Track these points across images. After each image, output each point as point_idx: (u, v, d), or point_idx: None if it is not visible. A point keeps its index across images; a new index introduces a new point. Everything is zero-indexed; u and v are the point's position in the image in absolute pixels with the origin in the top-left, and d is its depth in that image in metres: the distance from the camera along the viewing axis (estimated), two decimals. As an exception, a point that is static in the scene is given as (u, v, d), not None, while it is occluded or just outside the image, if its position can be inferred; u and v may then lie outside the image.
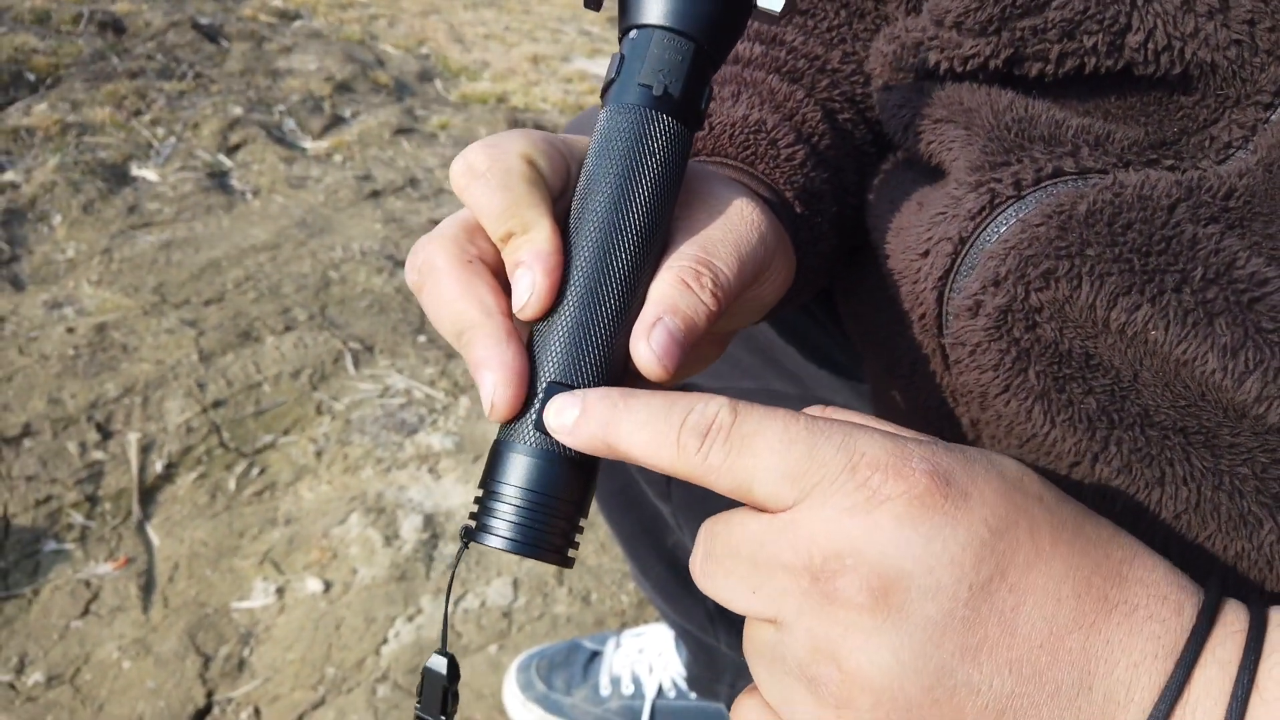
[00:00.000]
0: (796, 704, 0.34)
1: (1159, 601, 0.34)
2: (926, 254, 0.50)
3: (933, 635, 0.32)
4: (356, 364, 1.85)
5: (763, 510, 0.35)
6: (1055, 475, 0.46)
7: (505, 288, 0.39)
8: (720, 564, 0.36)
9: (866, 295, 0.59)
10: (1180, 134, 0.47)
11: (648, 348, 0.37)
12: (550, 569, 1.46)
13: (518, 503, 0.37)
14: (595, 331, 0.38)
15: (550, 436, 0.37)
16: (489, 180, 0.38)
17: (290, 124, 2.80)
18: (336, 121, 2.89)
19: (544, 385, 0.37)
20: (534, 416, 0.37)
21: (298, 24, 3.67)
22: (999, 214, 0.47)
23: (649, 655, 1.22)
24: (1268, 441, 0.41)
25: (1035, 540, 0.33)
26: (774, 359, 0.77)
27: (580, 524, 0.39)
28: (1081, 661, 0.32)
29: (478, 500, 0.38)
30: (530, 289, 0.37)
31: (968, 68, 0.50)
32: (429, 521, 1.53)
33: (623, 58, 0.40)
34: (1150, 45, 0.45)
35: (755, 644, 0.36)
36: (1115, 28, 0.45)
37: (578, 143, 0.43)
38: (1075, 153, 0.47)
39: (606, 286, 0.38)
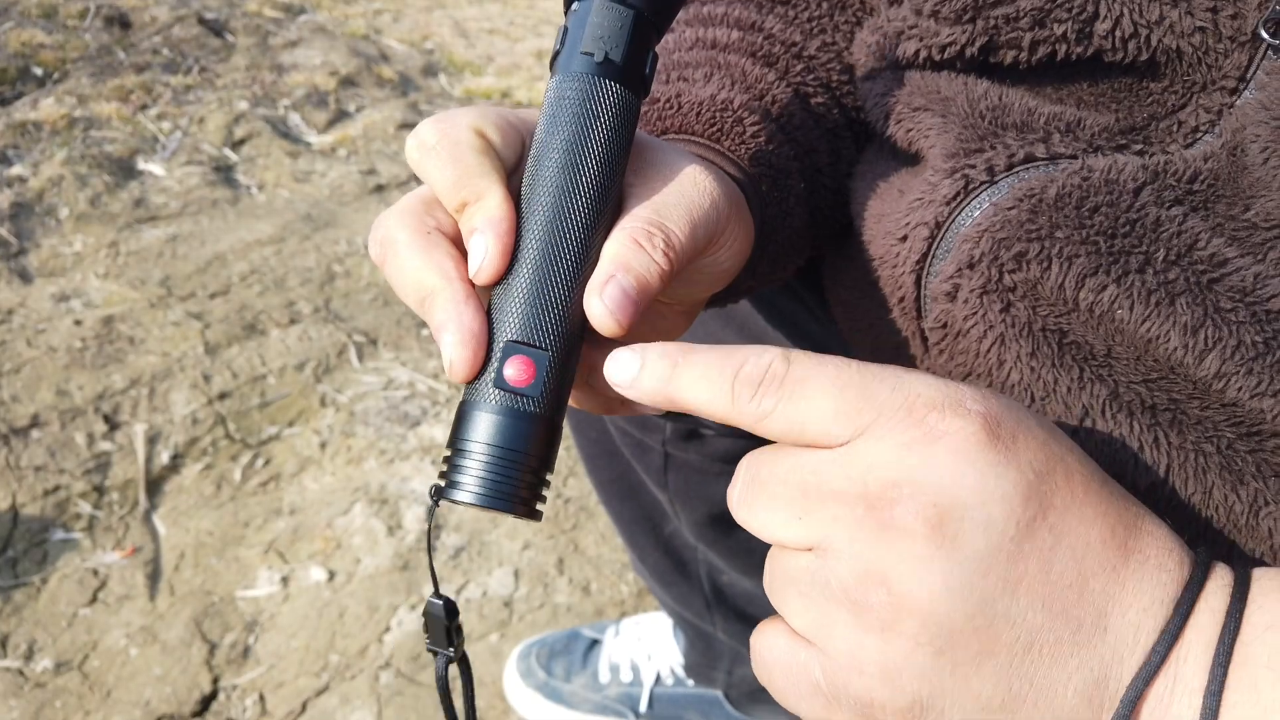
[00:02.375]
0: (835, 628, 0.35)
1: (1166, 553, 0.36)
2: (904, 239, 0.51)
3: (980, 566, 0.33)
4: (360, 357, 1.86)
5: (816, 447, 0.36)
6: None
7: (464, 255, 0.40)
8: (765, 490, 0.37)
9: (851, 281, 0.60)
10: (1149, 119, 0.48)
11: (600, 303, 0.39)
12: (550, 560, 1.48)
13: (482, 458, 0.38)
14: (551, 291, 0.39)
15: (510, 393, 0.38)
16: (440, 153, 0.40)
17: (295, 119, 2.81)
18: (341, 116, 2.90)
19: (502, 345, 0.38)
20: (493, 375, 0.38)
21: (302, 18, 3.68)
22: (973, 199, 0.48)
23: (647, 643, 1.23)
24: (1234, 414, 0.42)
25: (1071, 487, 0.35)
26: (763, 345, 0.78)
27: (546, 478, 0.40)
28: (1102, 603, 0.34)
29: (446, 459, 0.39)
30: (484, 253, 0.39)
31: (945, 56, 0.52)
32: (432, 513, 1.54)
33: (566, 30, 0.42)
34: (1118, 33, 0.46)
35: (788, 572, 0.37)
36: (1084, 16, 0.46)
37: (530, 115, 0.44)
38: (1046, 139, 0.48)
39: (560, 248, 0.39)
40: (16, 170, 2.28)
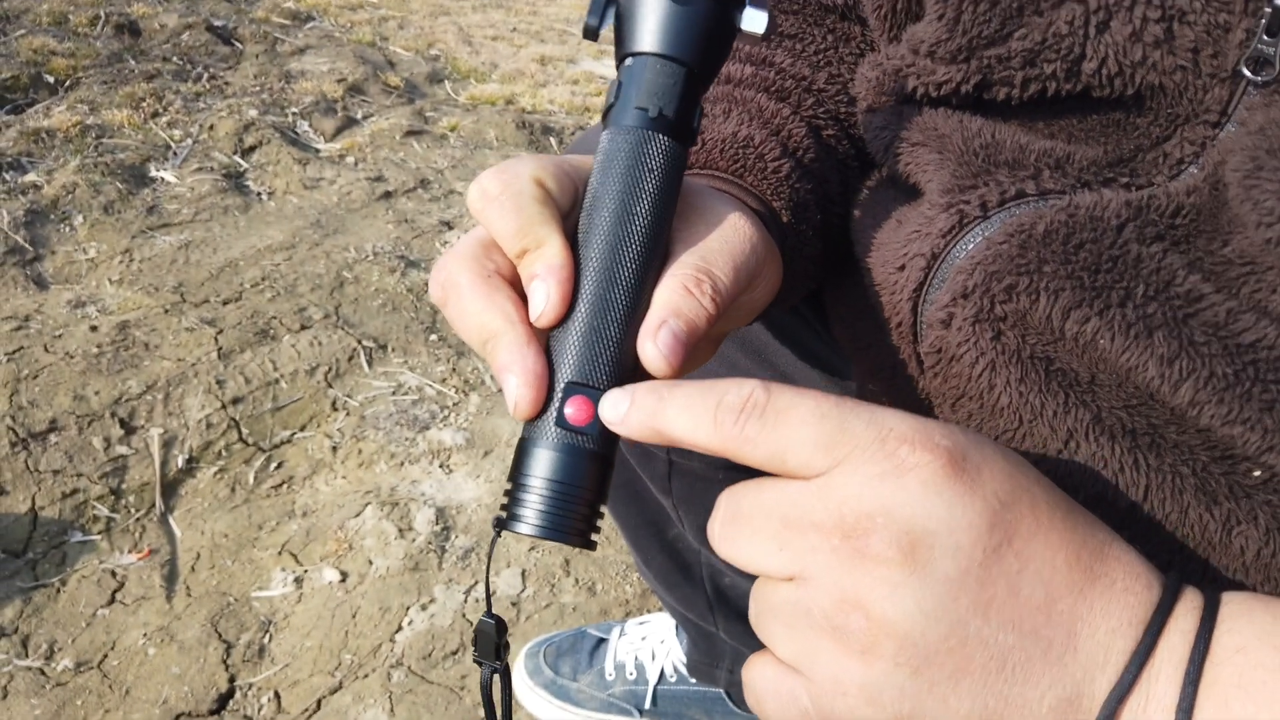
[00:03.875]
0: (819, 654, 0.36)
1: (1134, 577, 0.38)
2: (903, 268, 0.54)
3: (951, 590, 0.35)
4: (370, 362, 1.90)
5: (794, 478, 0.38)
6: None
7: (523, 298, 0.42)
8: (747, 523, 0.38)
9: (851, 304, 0.63)
10: (1136, 151, 0.50)
11: (654, 347, 0.41)
12: (557, 560, 1.51)
13: (543, 492, 0.40)
14: (606, 335, 0.41)
15: (570, 432, 0.41)
16: (503, 203, 0.42)
17: (304, 126, 2.85)
18: (349, 123, 2.94)
19: (562, 385, 0.41)
20: (554, 414, 0.41)
21: (310, 26, 3.71)
22: (967, 233, 0.51)
23: (651, 642, 1.27)
24: (1208, 439, 0.45)
25: (1036, 515, 0.37)
26: (769, 361, 0.81)
27: (600, 509, 0.42)
28: (1069, 623, 0.36)
29: (507, 493, 0.42)
30: (545, 299, 0.41)
31: (942, 93, 0.54)
32: (441, 514, 1.57)
33: (620, 84, 0.44)
34: (1104, 71, 0.48)
35: (772, 603, 0.38)
36: (1071, 56, 0.49)
37: (583, 163, 0.46)
38: (1037, 176, 0.50)
39: (614, 293, 0.41)
40: (30, 178, 2.32)
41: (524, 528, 0.40)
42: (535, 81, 3.61)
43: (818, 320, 0.78)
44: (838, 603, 0.36)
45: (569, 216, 0.44)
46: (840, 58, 0.67)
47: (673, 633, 1.26)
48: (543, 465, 0.41)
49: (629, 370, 0.42)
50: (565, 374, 0.41)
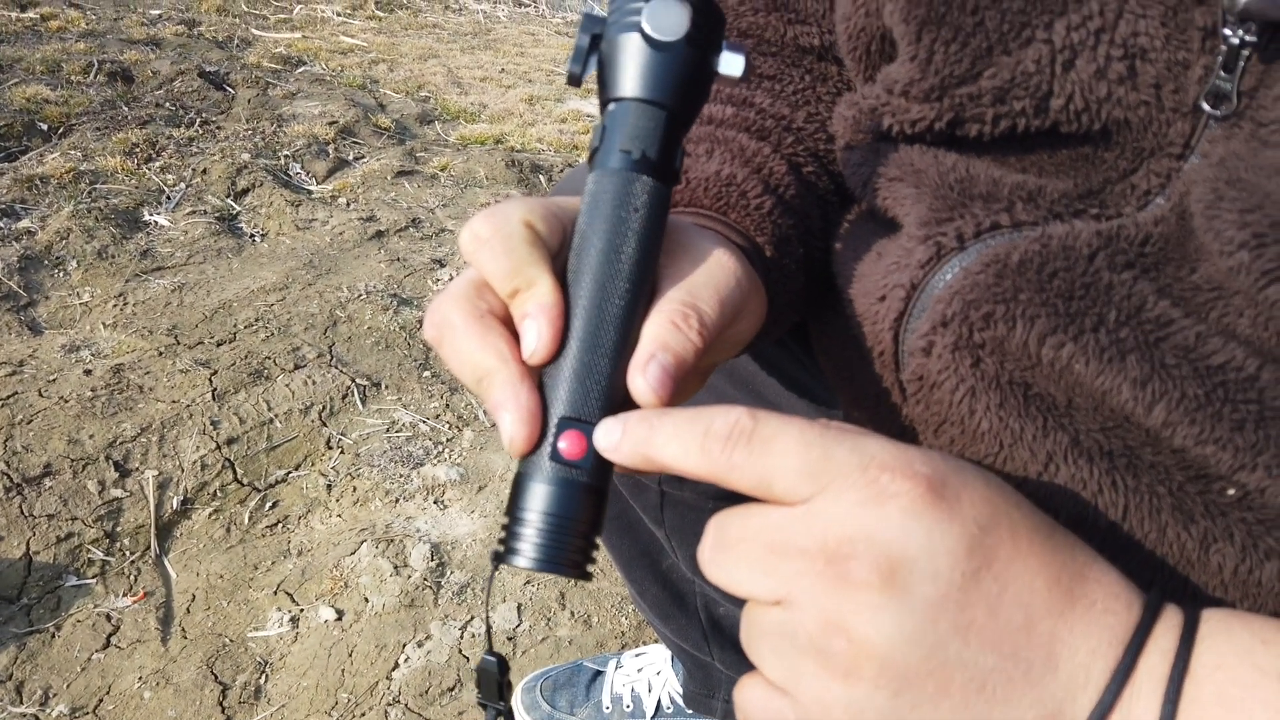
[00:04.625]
0: (804, 677, 0.37)
1: (1113, 598, 0.38)
2: (883, 299, 0.56)
3: (930, 612, 0.36)
4: (364, 400, 1.91)
5: (779, 504, 0.39)
6: None
7: (516, 336, 0.44)
8: (734, 549, 0.39)
9: (835, 335, 0.65)
10: (1104, 183, 0.51)
11: (643, 381, 0.42)
12: (552, 594, 1.51)
13: (539, 525, 0.41)
14: (596, 370, 0.42)
15: (564, 465, 0.42)
16: (494, 245, 0.43)
17: (296, 168, 2.87)
18: (340, 165, 2.97)
19: (556, 420, 0.42)
20: (549, 448, 0.42)
21: (301, 70, 3.76)
22: (945, 263, 0.52)
23: (648, 674, 1.27)
24: (1182, 459, 0.47)
25: (1015, 539, 0.38)
26: (757, 391, 0.83)
27: (596, 540, 0.43)
28: (1049, 644, 0.37)
29: (504, 527, 0.43)
30: (537, 337, 0.42)
31: (916, 130, 0.56)
32: (436, 550, 1.58)
33: (604, 128, 0.45)
34: (1071, 107, 0.50)
35: (760, 626, 0.39)
36: (1039, 94, 0.50)
37: (570, 204, 0.48)
38: (1010, 208, 0.52)
39: (604, 330, 0.43)
40: (24, 224, 2.33)
41: (521, 561, 0.41)
42: (524, 121, 3.65)
43: (803, 352, 0.79)
44: (821, 626, 0.37)
45: (558, 256, 0.46)
46: (818, 97, 0.69)
47: (669, 664, 1.27)
48: (538, 499, 0.42)
49: (619, 404, 0.43)
50: (558, 409, 0.42)
